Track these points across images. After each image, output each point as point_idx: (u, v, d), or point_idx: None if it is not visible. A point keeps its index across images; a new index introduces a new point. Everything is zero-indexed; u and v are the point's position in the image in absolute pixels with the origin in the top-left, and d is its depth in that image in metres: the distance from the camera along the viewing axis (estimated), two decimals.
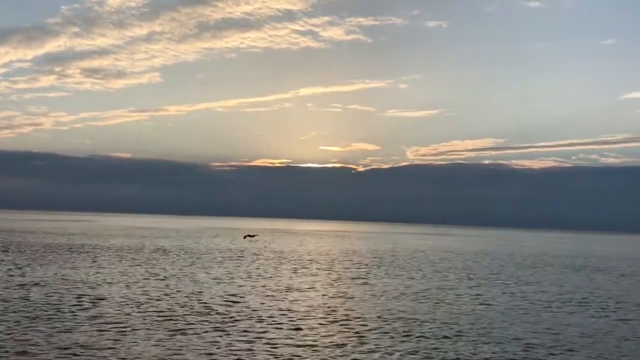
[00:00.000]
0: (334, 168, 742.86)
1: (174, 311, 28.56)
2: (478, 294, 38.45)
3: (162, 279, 40.68)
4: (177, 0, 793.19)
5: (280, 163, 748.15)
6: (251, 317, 27.70)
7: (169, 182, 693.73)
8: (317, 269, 53.05)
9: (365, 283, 42.49)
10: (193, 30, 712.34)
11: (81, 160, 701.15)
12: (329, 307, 31.32)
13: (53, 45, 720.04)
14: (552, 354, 22.79)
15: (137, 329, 24.32)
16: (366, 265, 58.75)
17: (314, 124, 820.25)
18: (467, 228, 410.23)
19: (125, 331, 23.87)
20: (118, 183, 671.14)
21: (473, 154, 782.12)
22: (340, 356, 21.16)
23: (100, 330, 23.89)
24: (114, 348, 21.16)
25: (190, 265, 51.55)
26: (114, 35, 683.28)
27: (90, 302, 30.11)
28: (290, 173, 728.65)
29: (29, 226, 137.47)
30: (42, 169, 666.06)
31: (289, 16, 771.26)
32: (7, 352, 20.18)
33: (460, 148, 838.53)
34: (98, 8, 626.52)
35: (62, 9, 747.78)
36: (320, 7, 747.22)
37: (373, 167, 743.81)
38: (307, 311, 29.82)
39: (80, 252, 61.58)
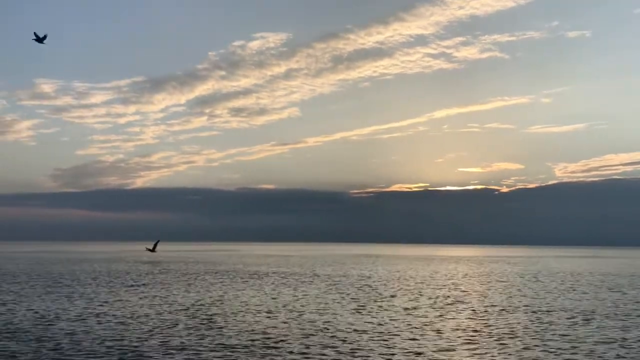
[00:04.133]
0: (475, 190, 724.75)
1: None
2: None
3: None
4: (312, 37, 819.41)
5: (417, 187, 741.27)
6: None
7: (310, 211, 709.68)
8: None
9: None
10: (328, 64, 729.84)
11: (231, 194, 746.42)
12: None
13: (202, 89, 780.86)
14: None
15: None
16: None
17: (450, 146, 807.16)
18: (629, 249, 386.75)
19: None
20: (265, 213, 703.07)
21: (630, 168, 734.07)
22: None
23: None
24: None
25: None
26: (256, 75, 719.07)
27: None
28: (428, 197, 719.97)
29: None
30: (196, 203, 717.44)
31: (420, 41, 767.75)
32: None
33: (615, 162, 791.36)
34: (241, 51, 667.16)
35: (209, 54, 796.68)
36: (451, 29, 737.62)
37: (518, 187, 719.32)
38: None
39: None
